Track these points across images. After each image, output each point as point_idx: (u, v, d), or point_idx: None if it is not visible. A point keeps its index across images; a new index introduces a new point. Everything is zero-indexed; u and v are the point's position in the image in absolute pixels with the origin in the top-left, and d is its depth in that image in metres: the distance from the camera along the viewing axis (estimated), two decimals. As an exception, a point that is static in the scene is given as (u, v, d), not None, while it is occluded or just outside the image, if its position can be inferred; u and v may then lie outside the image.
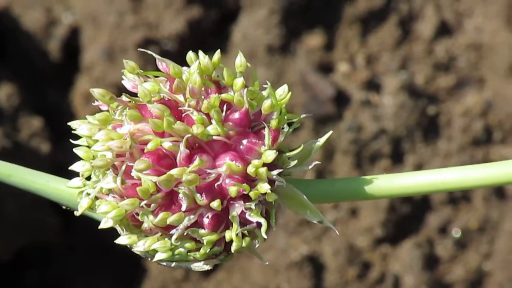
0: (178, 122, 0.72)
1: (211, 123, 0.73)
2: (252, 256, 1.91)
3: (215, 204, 0.72)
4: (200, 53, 0.75)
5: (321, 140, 0.76)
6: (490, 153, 2.21)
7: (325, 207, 2.11)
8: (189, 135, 0.72)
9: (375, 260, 2.11)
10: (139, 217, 0.73)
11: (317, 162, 0.77)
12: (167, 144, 0.72)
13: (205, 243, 0.73)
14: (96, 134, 0.74)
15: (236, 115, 0.74)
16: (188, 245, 0.74)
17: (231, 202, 0.73)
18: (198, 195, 0.72)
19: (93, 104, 0.78)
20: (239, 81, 0.74)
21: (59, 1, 2.32)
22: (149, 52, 0.78)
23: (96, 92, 0.74)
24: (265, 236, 0.73)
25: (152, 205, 0.73)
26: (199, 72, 0.74)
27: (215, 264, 0.75)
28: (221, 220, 0.73)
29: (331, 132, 0.78)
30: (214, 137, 0.73)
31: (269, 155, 0.73)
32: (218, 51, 0.76)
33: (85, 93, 2.22)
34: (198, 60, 0.74)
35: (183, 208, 0.72)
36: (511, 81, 2.25)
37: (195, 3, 2.27)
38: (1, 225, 2.01)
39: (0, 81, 2.15)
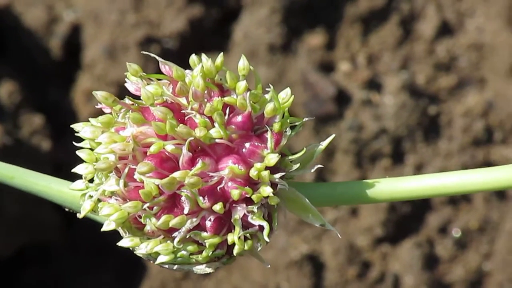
0: (181, 125, 0.72)
1: (213, 126, 0.73)
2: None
3: (218, 207, 0.72)
4: (203, 56, 0.75)
5: (324, 144, 0.76)
6: (490, 154, 2.21)
7: (326, 206, 2.11)
8: (192, 138, 0.72)
9: (375, 259, 2.11)
10: (142, 220, 0.73)
11: (319, 166, 0.77)
12: (170, 147, 0.72)
13: (207, 246, 0.73)
14: (99, 137, 0.74)
15: (239, 118, 0.74)
16: (190, 248, 0.74)
17: (234, 205, 0.73)
18: (201, 198, 0.72)
19: (95, 106, 0.78)
20: (242, 84, 0.74)
21: (60, -2, 2.32)
22: (152, 54, 0.78)
23: (99, 94, 0.74)
24: (267, 240, 0.73)
25: (155, 207, 0.73)
26: (202, 75, 0.74)
27: (217, 267, 0.75)
28: (224, 223, 0.73)
29: (333, 135, 0.78)
30: (217, 140, 0.73)
31: (272, 159, 0.73)
32: (221, 54, 0.76)
33: (86, 91, 2.22)
34: (201, 63, 0.74)
35: (186, 211, 0.72)
36: (512, 81, 2.25)
37: (197, 2, 2.27)
38: (1, 222, 2.01)
39: (2, 79, 2.15)
